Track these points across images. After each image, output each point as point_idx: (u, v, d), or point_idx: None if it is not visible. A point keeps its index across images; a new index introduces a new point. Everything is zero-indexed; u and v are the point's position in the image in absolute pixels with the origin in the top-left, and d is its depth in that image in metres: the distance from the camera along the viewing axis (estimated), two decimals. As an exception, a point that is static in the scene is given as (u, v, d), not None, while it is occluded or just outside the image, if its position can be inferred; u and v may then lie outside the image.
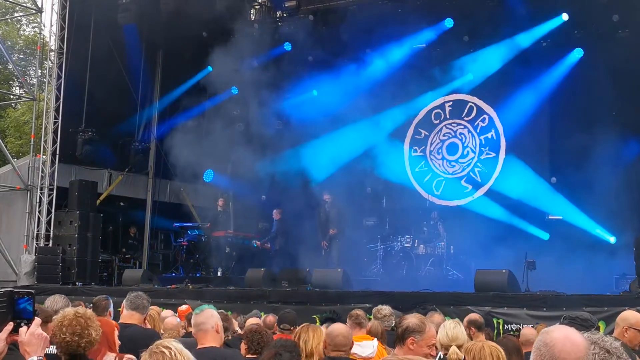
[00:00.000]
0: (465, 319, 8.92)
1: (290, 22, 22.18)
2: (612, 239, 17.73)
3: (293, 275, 16.57)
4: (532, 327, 11.05)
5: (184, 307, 12.04)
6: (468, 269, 17.40)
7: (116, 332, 6.65)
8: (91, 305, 7.83)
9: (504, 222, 18.64)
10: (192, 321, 6.49)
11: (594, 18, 18.55)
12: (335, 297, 14.85)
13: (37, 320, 3.79)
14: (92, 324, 5.20)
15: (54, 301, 7.60)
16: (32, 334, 3.73)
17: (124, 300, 7.64)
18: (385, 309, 9.70)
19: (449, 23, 19.99)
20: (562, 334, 3.67)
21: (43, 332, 3.80)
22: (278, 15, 23.19)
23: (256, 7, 23.06)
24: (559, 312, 12.54)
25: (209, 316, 6.31)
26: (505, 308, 13.25)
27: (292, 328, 8.59)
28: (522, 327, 12.06)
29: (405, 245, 19.04)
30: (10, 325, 3.71)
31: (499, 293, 13.70)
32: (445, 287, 15.90)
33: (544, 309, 12.93)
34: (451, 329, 6.86)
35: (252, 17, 23.24)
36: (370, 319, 9.28)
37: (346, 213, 19.77)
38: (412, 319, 5.79)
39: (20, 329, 3.73)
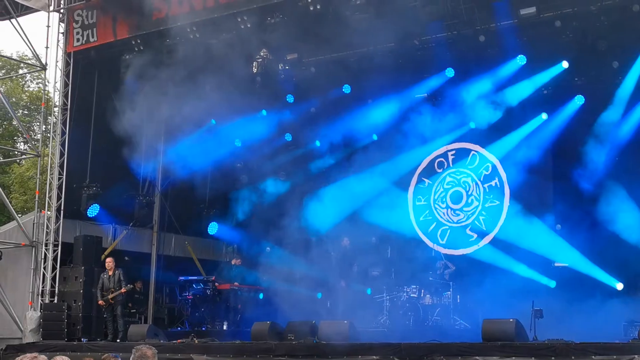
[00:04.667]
0: None
1: (292, 74, 22.36)
2: (619, 286, 17.66)
3: (299, 328, 16.46)
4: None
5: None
6: (475, 318, 17.28)
7: None
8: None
9: (510, 270, 18.60)
10: None
11: (594, 65, 18.71)
12: (343, 350, 14.74)
13: None
14: None
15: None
16: None
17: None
18: None
19: (449, 73, 20.14)
20: None
21: None
22: (280, 68, 23.36)
23: (258, 60, 23.24)
24: (567, 361, 12.50)
25: None
26: (514, 358, 13.12)
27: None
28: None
29: (412, 295, 18.94)
30: None
31: (507, 342, 13.59)
32: (453, 337, 15.77)
33: (553, 358, 12.81)
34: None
35: (255, 70, 23.41)
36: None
37: (354, 261, 19.84)
38: None
39: None
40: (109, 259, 19.69)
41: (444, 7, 18.54)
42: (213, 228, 23.41)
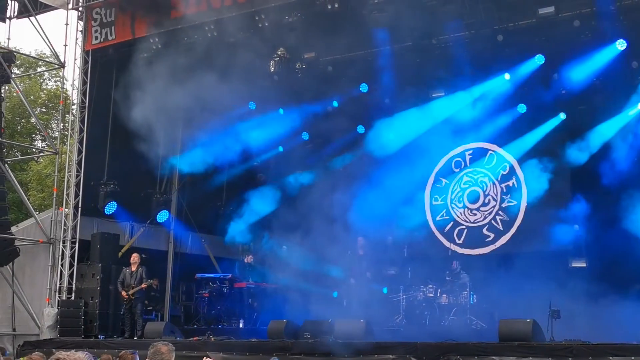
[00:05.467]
0: None
1: (309, 73, 22.37)
2: (638, 286, 17.55)
3: (315, 327, 16.47)
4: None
5: (208, 360, 12.04)
6: (492, 318, 17.26)
7: None
8: (117, 358, 7.82)
9: (526, 270, 18.49)
10: None
11: (613, 65, 18.62)
12: (358, 349, 14.74)
13: None
14: None
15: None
16: None
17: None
18: None
19: (467, 72, 20.05)
20: None
21: None
22: (297, 67, 23.37)
23: (275, 59, 23.26)
24: (585, 362, 12.45)
25: None
26: (531, 358, 13.11)
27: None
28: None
29: (428, 295, 18.92)
30: None
31: (523, 343, 13.57)
32: (469, 337, 15.75)
33: (570, 359, 12.78)
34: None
35: (272, 69, 23.44)
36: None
37: (372, 260, 19.84)
38: None
39: None
40: (135, 255, 19.80)
41: (462, 6, 18.52)
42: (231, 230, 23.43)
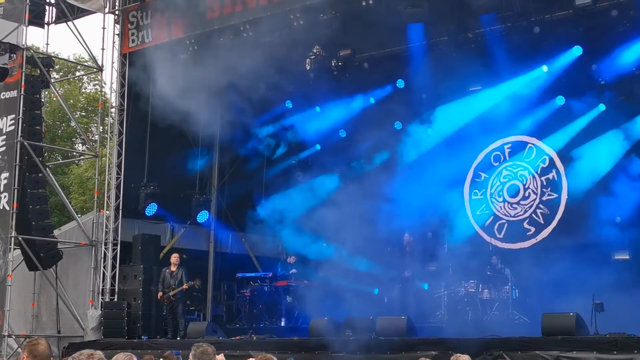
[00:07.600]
0: None
1: (345, 70, 22.36)
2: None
3: (357, 324, 16.46)
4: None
5: (252, 360, 12.09)
6: (534, 312, 17.10)
7: None
8: (161, 359, 7.88)
9: (569, 263, 18.33)
10: None
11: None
12: (400, 346, 14.71)
13: None
14: None
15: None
16: None
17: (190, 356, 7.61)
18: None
19: (504, 65, 19.92)
20: None
21: None
22: (333, 64, 23.40)
23: (311, 57, 23.31)
24: (630, 355, 12.31)
25: None
26: (575, 352, 12.98)
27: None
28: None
29: (470, 290, 18.79)
30: None
31: (567, 337, 13.45)
32: (512, 331, 15.65)
33: (615, 352, 12.64)
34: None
35: (308, 67, 23.49)
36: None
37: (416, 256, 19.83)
38: None
39: None
40: (175, 255, 19.92)
41: (497, -1, 18.41)
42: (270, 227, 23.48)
